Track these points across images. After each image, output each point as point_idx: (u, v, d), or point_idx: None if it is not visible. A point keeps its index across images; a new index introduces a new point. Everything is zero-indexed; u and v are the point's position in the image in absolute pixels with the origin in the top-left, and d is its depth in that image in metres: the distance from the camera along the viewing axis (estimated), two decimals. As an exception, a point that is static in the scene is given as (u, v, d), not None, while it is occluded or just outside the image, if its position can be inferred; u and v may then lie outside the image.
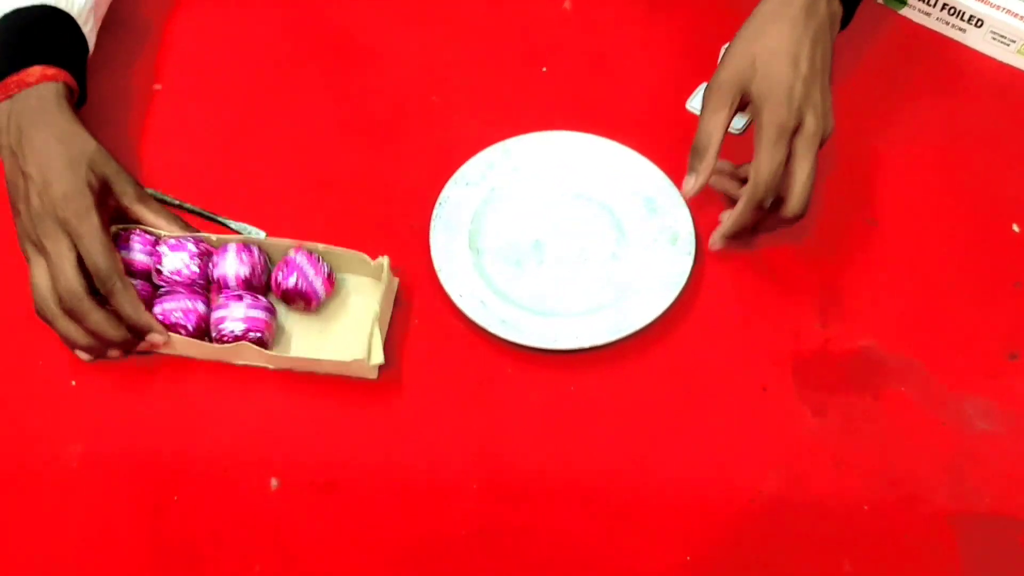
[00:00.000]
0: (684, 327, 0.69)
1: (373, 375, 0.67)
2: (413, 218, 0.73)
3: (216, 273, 0.67)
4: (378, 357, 0.65)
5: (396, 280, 0.70)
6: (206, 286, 0.68)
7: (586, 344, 0.66)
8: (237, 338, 0.65)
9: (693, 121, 0.76)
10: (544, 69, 0.81)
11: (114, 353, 0.66)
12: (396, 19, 0.84)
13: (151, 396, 0.67)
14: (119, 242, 0.68)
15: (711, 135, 0.65)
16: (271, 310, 0.67)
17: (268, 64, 0.81)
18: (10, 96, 0.65)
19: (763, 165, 0.63)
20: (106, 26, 0.79)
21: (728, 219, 0.67)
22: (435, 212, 0.72)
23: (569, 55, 0.82)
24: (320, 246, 0.68)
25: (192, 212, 0.74)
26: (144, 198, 0.67)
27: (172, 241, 0.68)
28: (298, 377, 0.67)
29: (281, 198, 0.74)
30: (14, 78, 0.65)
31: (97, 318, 0.63)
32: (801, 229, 0.72)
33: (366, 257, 0.68)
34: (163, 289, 0.67)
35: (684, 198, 0.68)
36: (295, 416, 0.66)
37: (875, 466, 0.63)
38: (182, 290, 0.67)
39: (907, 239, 0.72)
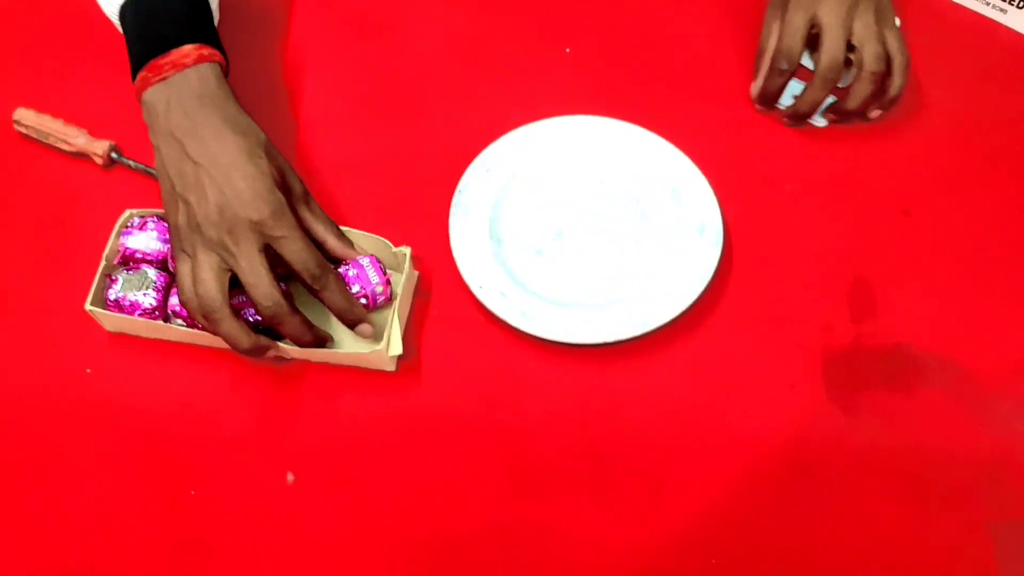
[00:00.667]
0: (711, 321, 0.67)
1: (391, 367, 0.65)
2: (432, 204, 0.71)
3: None
4: (397, 348, 0.63)
5: (416, 273, 0.68)
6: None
7: (610, 339, 0.65)
8: (259, 322, 0.63)
9: (724, 105, 0.74)
10: (568, 50, 0.79)
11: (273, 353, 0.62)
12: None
13: (165, 386, 0.66)
14: (134, 227, 0.66)
15: (768, 39, 0.71)
16: (289, 295, 0.66)
17: (279, 40, 0.79)
18: (165, 79, 0.61)
19: (785, 36, 0.70)
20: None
21: (757, 87, 0.73)
22: (454, 199, 0.70)
23: (594, 35, 0.79)
24: (342, 229, 0.67)
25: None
26: (308, 199, 0.64)
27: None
28: (314, 368, 0.66)
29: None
30: (167, 59, 0.61)
31: (296, 322, 0.60)
32: (834, 218, 0.71)
33: (388, 243, 0.66)
34: (179, 278, 0.66)
35: (753, 99, 0.74)
36: (311, 408, 0.65)
37: (908, 469, 0.62)
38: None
39: (943, 230, 0.70)
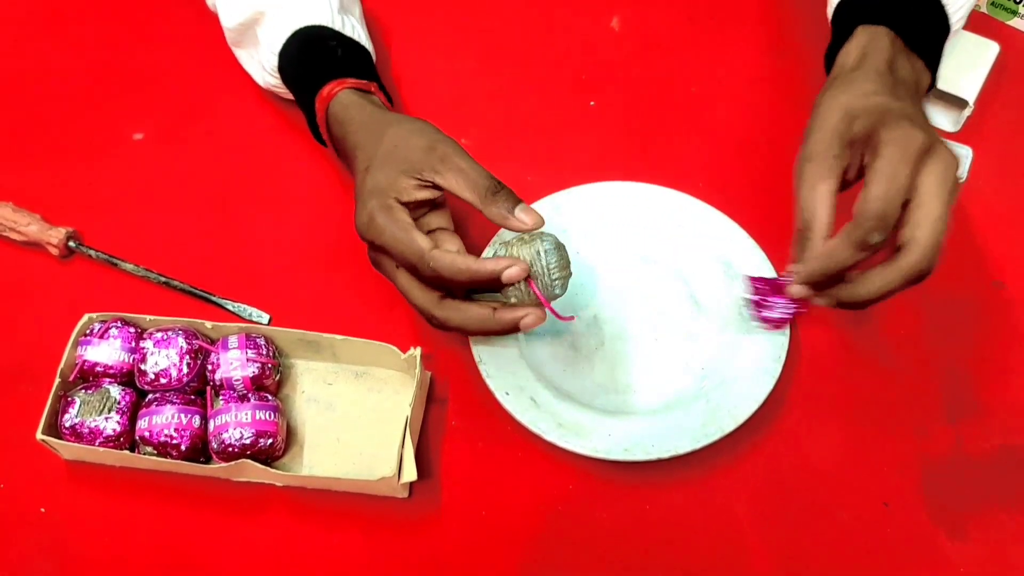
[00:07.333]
0: (782, 426, 0.58)
1: (403, 493, 0.56)
2: (445, 293, 0.61)
3: (218, 376, 0.57)
4: (411, 474, 0.54)
5: (428, 373, 0.59)
6: (200, 388, 0.58)
7: (664, 454, 0.55)
8: (244, 447, 0.55)
9: (779, 166, 0.64)
10: (592, 103, 0.70)
11: (530, 320, 0.54)
12: (421, 51, 0.73)
13: (135, 526, 0.56)
14: (94, 334, 0.57)
15: (815, 211, 0.50)
16: (280, 410, 0.56)
17: (270, 109, 0.70)
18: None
19: (878, 186, 0.48)
20: (99, 70, 0.72)
21: (816, 256, 0.50)
22: (472, 286, 0.60)
23: (621, 86, 0.71)
24: (338, 338, 0.58)
25: (180, 290, 0.63)
26: (490, 191, 0.54)
27: (159, 335, 0.57)
28: (312, 495, 0.56)
29: (287, 272, 0.64)
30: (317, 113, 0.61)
31: (468, 315, 0.54)
32: (916, 297, 0.61)
33: (395, 349, 0.58)
34: (149, 396, 0.57)
35: (792, 297, 0.53)
36: (307, 546, 0.56)
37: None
38: (173, 398, 0.56)
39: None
